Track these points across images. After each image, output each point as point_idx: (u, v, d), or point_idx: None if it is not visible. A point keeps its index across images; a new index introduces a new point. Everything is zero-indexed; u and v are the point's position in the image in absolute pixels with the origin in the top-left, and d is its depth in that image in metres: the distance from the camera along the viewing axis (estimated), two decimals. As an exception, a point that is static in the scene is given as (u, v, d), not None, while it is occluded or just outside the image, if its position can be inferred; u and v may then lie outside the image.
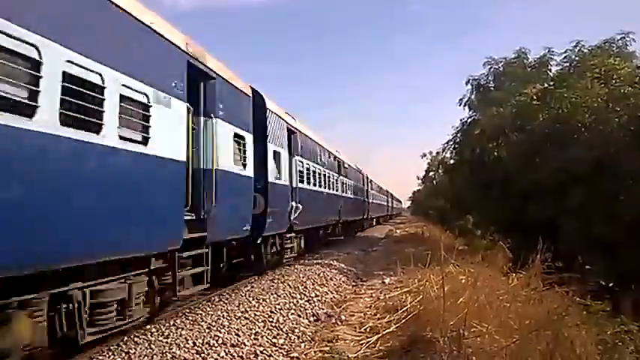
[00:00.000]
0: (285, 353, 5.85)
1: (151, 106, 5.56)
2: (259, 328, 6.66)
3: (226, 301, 8.01)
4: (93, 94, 4.61)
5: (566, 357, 4.55)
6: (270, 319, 7.09)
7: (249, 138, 9.08)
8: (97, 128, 4.64)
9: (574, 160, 13.55)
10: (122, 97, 5.05)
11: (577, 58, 16.58)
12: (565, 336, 4.81)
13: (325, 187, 16.67)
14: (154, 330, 6.25)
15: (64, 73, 4.24)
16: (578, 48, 16.67)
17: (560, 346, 4.53)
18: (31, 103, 3.90)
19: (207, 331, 6.27)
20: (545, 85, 17.08)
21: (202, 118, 7.24)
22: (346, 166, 22.16)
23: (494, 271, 8.16)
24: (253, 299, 8.11)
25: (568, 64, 16.98)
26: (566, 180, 13.87)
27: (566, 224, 13.68)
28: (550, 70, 18.24)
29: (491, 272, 7.85)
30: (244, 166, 8.77)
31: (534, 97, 16.19)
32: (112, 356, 5.31)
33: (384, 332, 6.24)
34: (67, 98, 4.25)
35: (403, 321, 6.46)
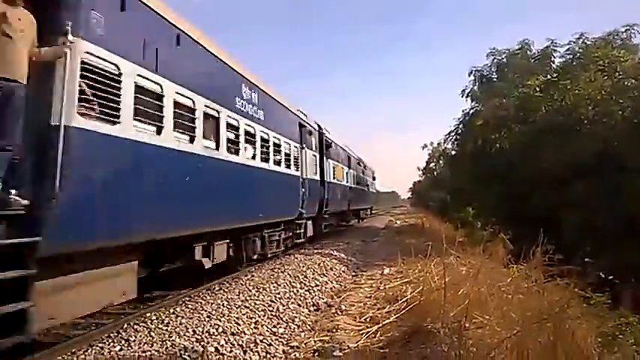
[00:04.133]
0: (284, 342, 5.85)
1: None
2: (259, 317, 6.66)
3: (226, 290, 8.00)
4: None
5: (567, 349, 4.53)
6: (270, 308, 7.09)
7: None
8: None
9: (577, 152, 13.50)
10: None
11: (580, 50, 16.46)
12: (566, 328, 4.78)
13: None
14: (154, 318, 6.25)
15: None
16: (581, 40, 16.56)
17: (561, 338, 4.50)
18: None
19: (207, 319, 6.26)
20: (549, 76, 16.97)
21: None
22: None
23: (495, 263, 8.13)
24: (253, 288, 8.11)
25: (571, 56, 16.86)
26: (569, 172, 13.83)
27: (568, 216, 13.66)
28: (553, 62, 18.11)
29: (492, 264, 7.82)
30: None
31: (537, 89, 16.09)
32: (111, 343, 5.31)
33: (384, 322, 6.22)
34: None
35: (403, 311, 6.44)
